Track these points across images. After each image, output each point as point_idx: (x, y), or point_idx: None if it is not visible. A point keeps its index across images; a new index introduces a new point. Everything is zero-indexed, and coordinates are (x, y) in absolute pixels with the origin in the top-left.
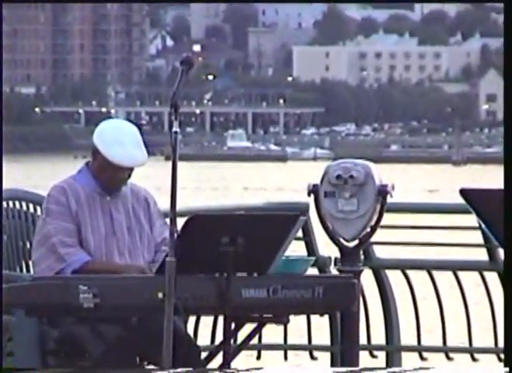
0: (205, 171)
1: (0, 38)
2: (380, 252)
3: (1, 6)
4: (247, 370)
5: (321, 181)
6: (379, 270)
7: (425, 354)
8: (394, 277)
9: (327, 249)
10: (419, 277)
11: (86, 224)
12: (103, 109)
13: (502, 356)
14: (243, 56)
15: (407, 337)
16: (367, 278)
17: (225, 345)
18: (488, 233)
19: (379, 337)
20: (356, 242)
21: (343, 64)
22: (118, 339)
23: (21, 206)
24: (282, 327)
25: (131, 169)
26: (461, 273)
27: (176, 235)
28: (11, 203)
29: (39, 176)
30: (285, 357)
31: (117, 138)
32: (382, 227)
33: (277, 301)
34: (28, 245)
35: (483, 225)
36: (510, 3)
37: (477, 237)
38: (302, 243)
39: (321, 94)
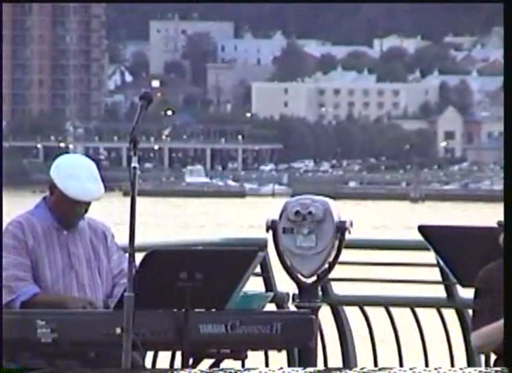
0: (163, 206)
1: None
2: (338, 289)
3: (0, 6)
4: None
5: (280, 217)
6: (337, 307)
7: None
8: (351, 313)
9: (285, 285)
10: (376, 314)
11: (43, 259)
12: (62, 145)
13: None
14: (202, 92)
15: None
16: (325, 314)
17: None
18: (446, 270)
19: None
20: (314, 278)
21: (302, 101)
22: None
23: None
24: (239, 362)
25: (87, 204)
26: (418, 310)
27: (134, 271)
28: None
29: None
30: None
31: (73, 172)
32: (340, 263)
33: (235, 337)
34: None
35: (441, 262)
36: (510, 3)
37: (435, 274)
38: (260, 279)
39: (280, 130)
